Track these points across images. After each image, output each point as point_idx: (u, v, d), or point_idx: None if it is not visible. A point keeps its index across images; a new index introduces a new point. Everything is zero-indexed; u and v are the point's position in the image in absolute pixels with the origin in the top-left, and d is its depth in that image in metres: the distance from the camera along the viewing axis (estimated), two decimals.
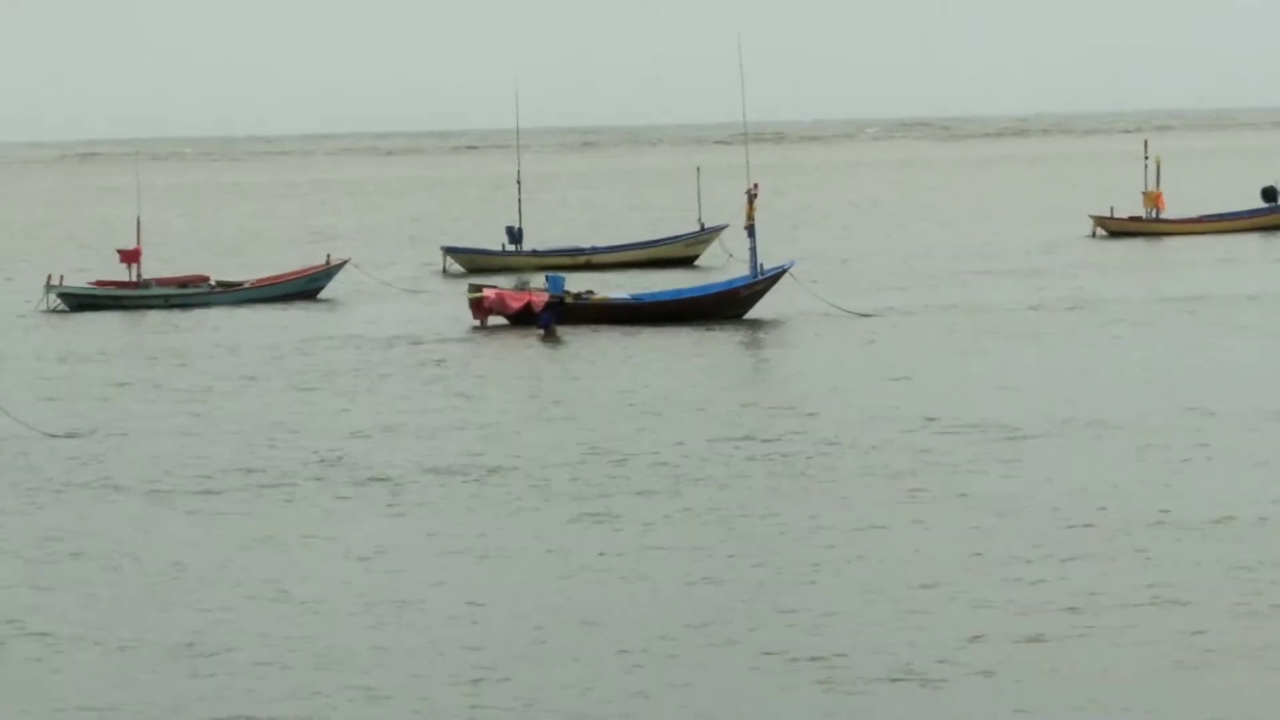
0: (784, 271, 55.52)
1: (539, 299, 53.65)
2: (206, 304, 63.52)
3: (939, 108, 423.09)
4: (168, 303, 63.42)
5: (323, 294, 65.64)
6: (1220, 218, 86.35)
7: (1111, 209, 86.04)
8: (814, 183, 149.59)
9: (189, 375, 47.35)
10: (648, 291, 57.95)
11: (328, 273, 66.38)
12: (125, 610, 24.95)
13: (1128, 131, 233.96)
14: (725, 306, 54.71)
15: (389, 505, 30.94)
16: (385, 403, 42.23)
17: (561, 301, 53.64)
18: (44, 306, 63.13)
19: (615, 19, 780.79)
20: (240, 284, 66.09)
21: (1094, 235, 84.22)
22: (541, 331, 52.13)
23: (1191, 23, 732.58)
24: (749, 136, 62.54)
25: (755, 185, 54.47)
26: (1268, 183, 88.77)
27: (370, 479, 32.80)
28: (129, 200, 63.74)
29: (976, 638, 22.56)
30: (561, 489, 31.68)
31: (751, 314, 54.86)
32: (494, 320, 53.99)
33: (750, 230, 54.78)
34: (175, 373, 47.88)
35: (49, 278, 63.75)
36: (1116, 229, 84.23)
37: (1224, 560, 25.82)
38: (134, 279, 64.50)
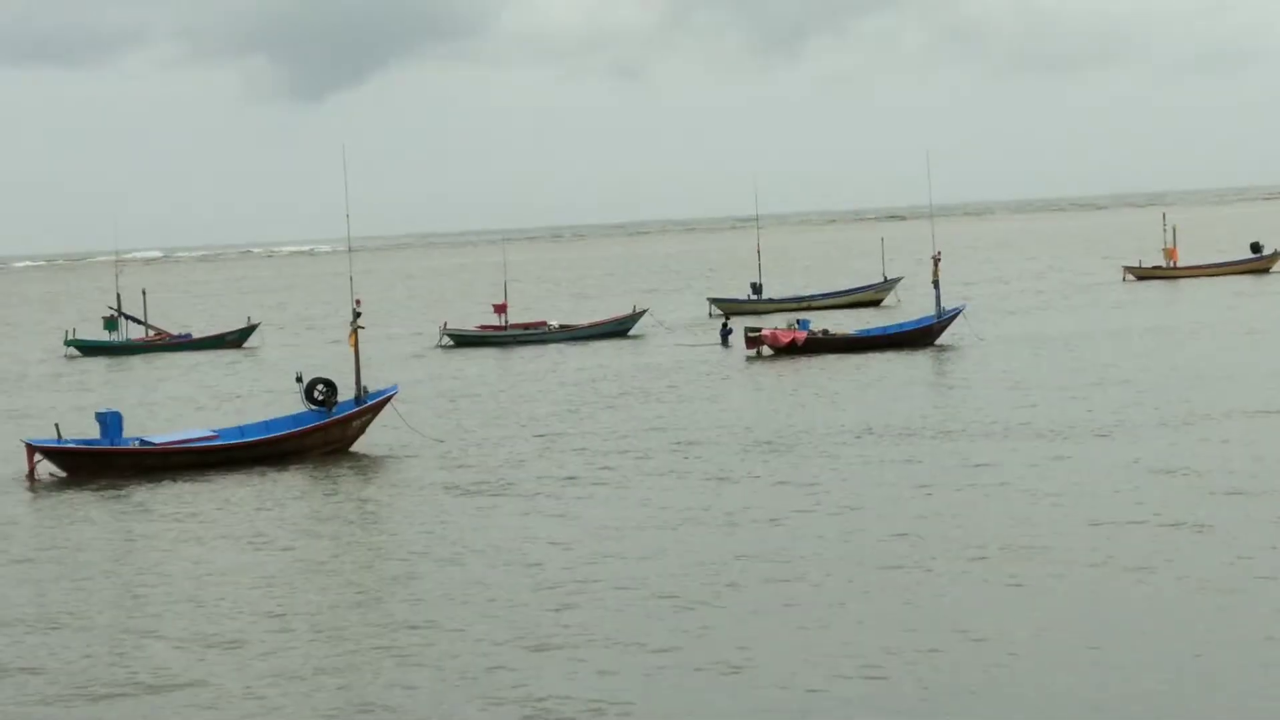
0: (959, 313, 53.87)
1: (799, 336, 51.61)
2: (546, 341, 62.00)
3: (1004, 192, 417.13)
4: (520, 340, 62.12)
5: (631, 333, 63.91)
6: (1219, 265, 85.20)
7: (1140, 261, 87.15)
8: (966, 249, 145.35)
9: (542, 391, 45.12)
10: (867, 327, 56.17)
11: (633, 318, 64.78)
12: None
13: (1154, 206, 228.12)
14: (923, 337, 52.40)
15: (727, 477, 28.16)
16: (697, 404, 39.81)
17: (825, 333, 52.29)
18: (439, 344, 63.03)
19: (816, 119, 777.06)
20: (573, 326, 64.81)
21: (1124, 280, 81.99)
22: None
23: (1186, 112, 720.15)
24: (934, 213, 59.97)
25: (939, 252, 53.99)
26: (1254, 239, 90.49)
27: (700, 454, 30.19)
28: (489, 272, 62.97)
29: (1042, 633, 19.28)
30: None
31: (939, 341, 52.49)
32: (765, 351, 51.66)
33: (935, 284, 52.85)
34: (529, 388, 45.78)
35: (443, 324, 64.86)
36: (1142, 275, 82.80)
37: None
38: (502, 324, 64.20)
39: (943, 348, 51.23)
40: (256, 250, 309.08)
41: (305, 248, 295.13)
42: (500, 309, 64.58)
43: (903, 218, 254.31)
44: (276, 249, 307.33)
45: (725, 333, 57.95)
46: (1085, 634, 17.56)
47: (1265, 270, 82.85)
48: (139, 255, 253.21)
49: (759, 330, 52.22)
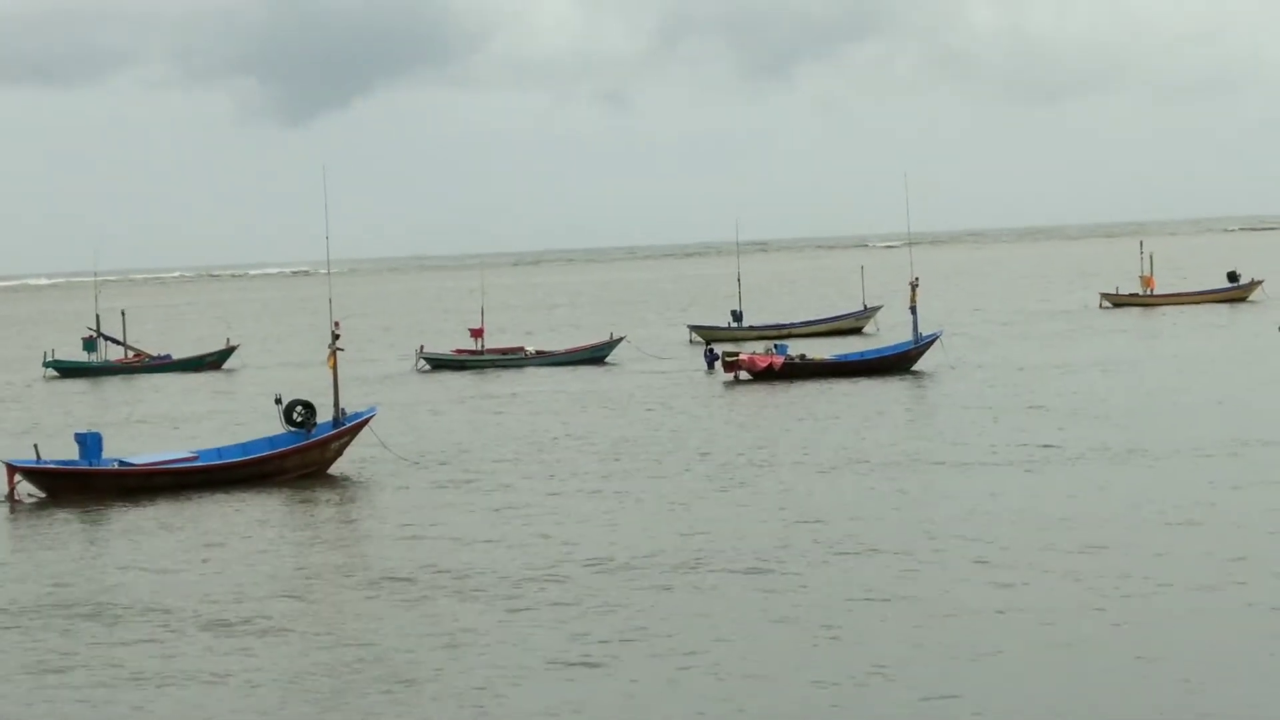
0: (936, 338, 54.16)
1: (777, 360, 51.84)
2: (522, 366, 62.27)
3: (995, 219, 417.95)
4: (496, 365, 62.50)
5: (608, 360, 64.15)
6: (1196, 293, 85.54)
7: (1117, 287, 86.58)
8: (954, 275, 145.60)
9: (516, 415, 45.41)
10: (844, 353, 56.37)
11: (609, 345, 65.06)
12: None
13: (1136, 236, 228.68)
14: (900, 363, 52.85)
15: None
16: (668, 424, 40.01)
17: (803, 358, 52.42)
18: (416, 367, 63.25)
19: (806, 146, 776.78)
20: (550, 352, 65.08)
21: (1101, 306, 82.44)
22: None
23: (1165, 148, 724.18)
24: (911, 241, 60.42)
25: (917, 278, 54.19)
26: (1230, 268, 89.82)
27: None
28: (470, 297, 63.43)
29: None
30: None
31: (916, 367, 52.88)
32: (743, 376, 51.85)
33: (913, 309, 53.36)
34: (503, 413, 46.00)
35: (420, 347, 64.66)
36: (1119, 302, 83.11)
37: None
38: (479, 349, 64.34)
39: (919, 374, 51.69)
40: (242, 272, 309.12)
41: (291, 270, 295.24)
42: (477, 333, 64.87)
43: (892, 245, 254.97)
44: (263, 271, 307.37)
45: (711, 357, 57.95)
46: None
47: (1242, 299, 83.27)
48: (124, 276, 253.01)
49: (736, 355, 52.59)
